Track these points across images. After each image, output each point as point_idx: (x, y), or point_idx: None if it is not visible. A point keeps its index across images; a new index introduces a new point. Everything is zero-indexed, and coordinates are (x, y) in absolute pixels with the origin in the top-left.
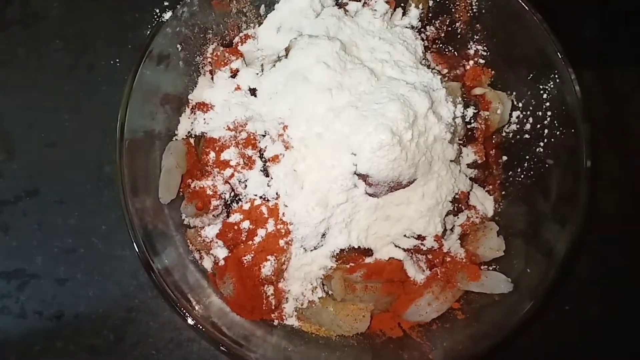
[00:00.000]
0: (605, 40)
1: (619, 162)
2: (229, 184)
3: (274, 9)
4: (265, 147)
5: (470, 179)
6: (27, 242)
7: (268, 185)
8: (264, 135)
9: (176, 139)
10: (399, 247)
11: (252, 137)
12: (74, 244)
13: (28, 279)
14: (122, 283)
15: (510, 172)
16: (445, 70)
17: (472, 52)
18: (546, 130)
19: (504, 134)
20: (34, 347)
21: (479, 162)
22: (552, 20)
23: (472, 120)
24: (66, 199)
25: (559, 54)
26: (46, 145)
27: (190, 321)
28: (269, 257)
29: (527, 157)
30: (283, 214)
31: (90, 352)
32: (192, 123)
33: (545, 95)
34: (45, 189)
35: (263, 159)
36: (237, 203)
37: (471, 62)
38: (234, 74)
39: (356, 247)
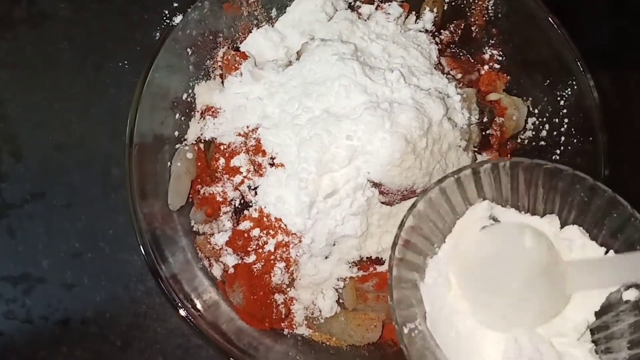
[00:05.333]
0: (621, 44)
1: (636, 169)
2: (239, 190)
3: (285, 12)
4: (277, 154)
5: None
6: (34, 246)
7: None
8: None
9: (186, 144)
10: None
11: (262, 143)
12: (81, 248)
13: (34, 284)
14: (130, 288)
15: None
16: (460, 75)
17: (487, 56)
18: (563, 138)
19: (519, 140)
20: (39, 353)
21: None
22: (568, 25)
23: (487, 127)
24: (73, 202)
25: (577, 60)
26: (53, 147)
27: (197, 327)
28: (279, 265)
29: None
30: None
31: (96, 357)
32: (201, 128)
33: (562, 102)
34: (51, 192)
35: (274, 166)
36: (247, 210)
37: (486, 67)
38: (245, 78)
39: (368, 255)
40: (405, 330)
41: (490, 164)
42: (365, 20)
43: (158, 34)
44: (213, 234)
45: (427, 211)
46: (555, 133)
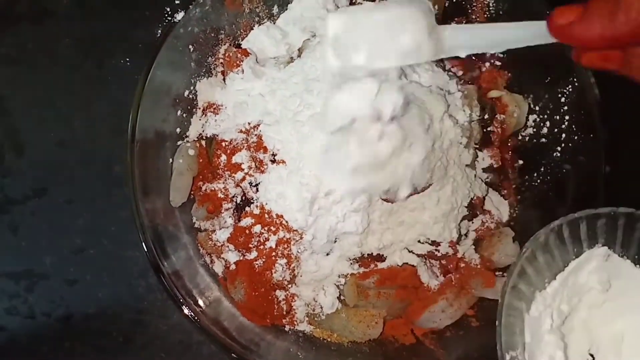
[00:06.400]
0: None
1: (637, 167)
2: (241, 187)
3: (287, 9)
4: (278, 150)
5: (486, 183)
6: (36, 242)
7: None
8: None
9: (187, 141)
10: (413, 253)
11: (263, 140)
12: (83, 244)
13: (37, 280)
14: (132, 284)
15: (526, 177)
16: (461, 72)
17: (488, 54)
18: (564, 135)
19: (520, 137)
20: (42, 348)
21: (495, 166)
22: None
23: (488, 124)
24: (75, 198)
25: None
26: (55, 144)
27: (199, 323)
28: (280, 261)
29: (544, 161)
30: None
31: (98, 353)
32: (203, 125)
33: (563, 99)
34: (54, 189)
35: (275, 163)
36: (249, 207)
37: (487, 64)
38: (246, 75)
39: (369, 252)
40: (507, 357)
41: (609, 211)
42: None
43: (160, 31)
44: (215, 231)
45: (549, 243)
46: (556, 130)
